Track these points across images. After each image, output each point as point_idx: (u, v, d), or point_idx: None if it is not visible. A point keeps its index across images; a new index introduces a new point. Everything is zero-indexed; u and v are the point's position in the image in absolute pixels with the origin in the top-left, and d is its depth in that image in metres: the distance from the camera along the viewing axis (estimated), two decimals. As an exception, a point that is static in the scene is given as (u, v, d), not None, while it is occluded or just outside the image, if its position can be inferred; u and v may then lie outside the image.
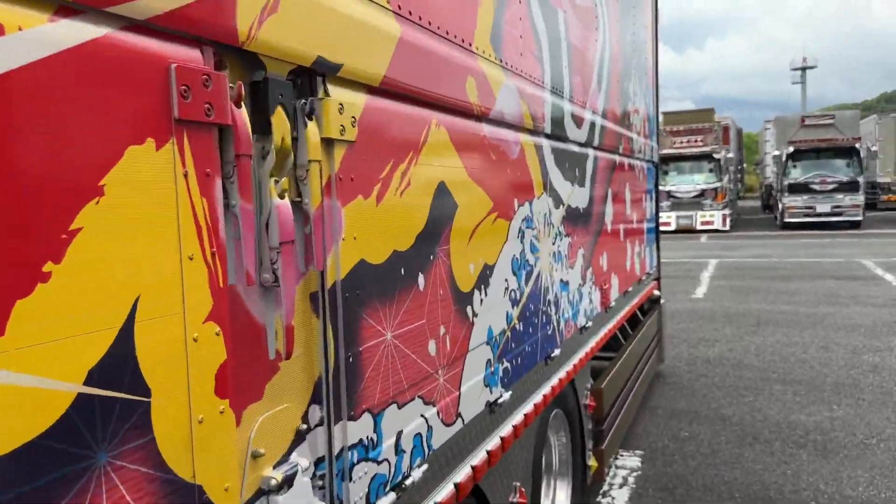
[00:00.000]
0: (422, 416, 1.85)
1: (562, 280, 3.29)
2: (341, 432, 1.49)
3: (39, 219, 0.86)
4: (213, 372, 1.13)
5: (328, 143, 1.44)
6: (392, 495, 1.70)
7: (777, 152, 27.30)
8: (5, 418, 0.81)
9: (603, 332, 4.21)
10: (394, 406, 1.70)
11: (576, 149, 3.57)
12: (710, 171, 25.63)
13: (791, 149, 25.33)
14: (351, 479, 1.52)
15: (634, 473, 4.73)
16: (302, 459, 1.39)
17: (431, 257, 1.92)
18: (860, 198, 24.24)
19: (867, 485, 4.44)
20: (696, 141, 25.98)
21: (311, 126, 1.38)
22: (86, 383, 0.91)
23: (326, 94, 1.45)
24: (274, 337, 1.32)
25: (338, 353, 1.48)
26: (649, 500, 4.33)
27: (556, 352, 3.18)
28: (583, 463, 3.90)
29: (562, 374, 3.28)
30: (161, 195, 1.03)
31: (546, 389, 3.02)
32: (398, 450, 1.74)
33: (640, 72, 5.66)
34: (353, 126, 1.51)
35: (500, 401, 2.44)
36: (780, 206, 25.68)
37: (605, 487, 4.51)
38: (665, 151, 25.31)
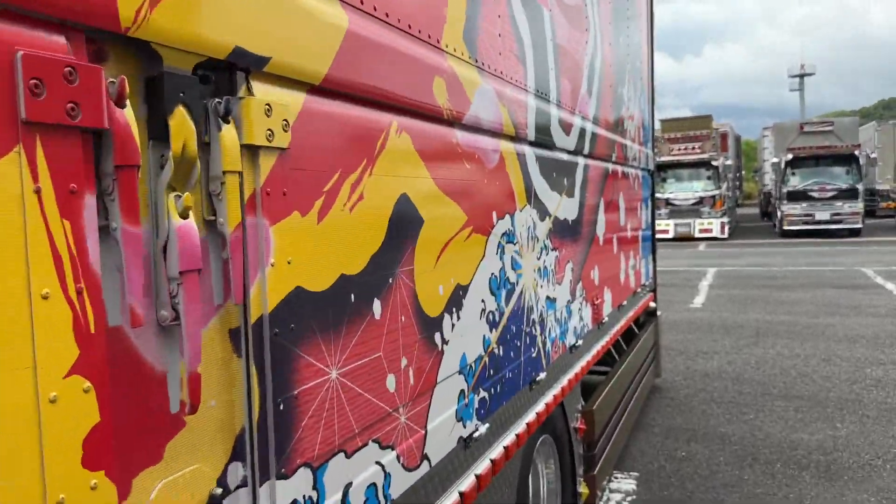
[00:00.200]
0: (377, 463, 1.62)
1: (548, 297, 3.05)
2: (268, 493, 1.26)
3: None
4: (79, 438, 0.90)
5: (252, 151, 1.22)
6: (339, 559, 1.47)
7: (776, 159, 27.11)
8: None
9: (595, 350, 3.98)
10: (340, 456, 1.47)
11: (564, 157, 3.35)
12: (709, 178, 25.43)
13: (790, 156, 25.16)
14: (284, 547, 1.29)
15: (629, 498, 4.48)
16: (218, 530, 1.16)
17: (391, 280, 1.69)
18: (859, 205, 24.04)
19: (874, 511, 4.20)
20: (694, 148, 25.79)
21: (228, 130, 1.16)
22: None
23: (250, 92, 1.22)
24: (178, 386, 1.09)
25: (264, 399, 1.24)
26: (644, 527, 4.08)
27: (542, 375, 2.94)
28: (573, 490, 3.66)
29: (549, 398, 3.04)
30: (0, 217, 0.81)
31: (531, 417, 2.79)
32: (347, 504, 1.50)
33: (634, 76, 5.44)
34: (286, 131, 1.28)
35: (475, 435, 2.21)
36: (778, 213, 25.47)
37: (598, 514, 4.26)
38: (663, 159, 25.15)
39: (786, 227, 24.61)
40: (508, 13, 2.55)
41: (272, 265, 1.25)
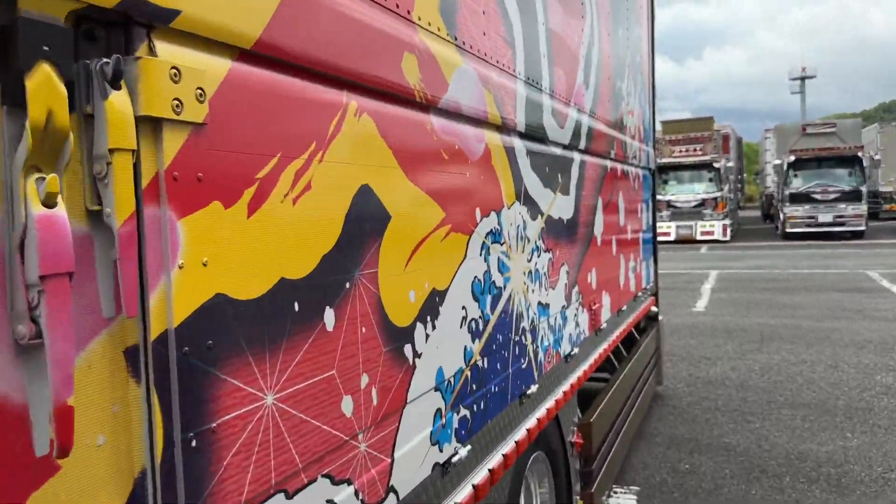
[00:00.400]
0: (328, 501, 1.37)
1: (540, 303, 2.81)
2: (177, 551, 1.01)
3: None
4: None
5: (153, 125, 0.97)
6: None
7: (777, 161, 26.87)
8: None
9: (592, 359, 3.73)
10: (279, 497, 1.22)
11: (558, 151, 3.10)
12: (710, 180, 25.19)
13: (792, 158, 24.92)
14: None
15: (629, 514, 4.23)
16: None
17: (347, 285, 1.45)
18: (863, 207, 23.80)
19: (890, 529, 3.95)
20: (695, 150, 25.56)
21: (118, 98, 0.91)
22: None
23: (152, 52, 0.98)
24: (46, 422, 0.85)
25: (170, 434, 1.00)
26: (645, 547, 3.83)
27: (534, 388, 2.70)
28: (569, 509, 3.41)
29: (541, 412, 2.79)
30: None
31: (521, 434, 2.54)
32: (290, 553, 1.26)
33: (634, 70, 5.20)
34: (201, 101, 1.04)
35: (454, 459, 1.96)
36: (781, 215, 25.23)
37: (597, 532, 4.01)
38: (664, 160, 24.90)
39: (788, 230, 24.37)
40: (494, -11, 2.31)
41: (180, 267, 1.00)
